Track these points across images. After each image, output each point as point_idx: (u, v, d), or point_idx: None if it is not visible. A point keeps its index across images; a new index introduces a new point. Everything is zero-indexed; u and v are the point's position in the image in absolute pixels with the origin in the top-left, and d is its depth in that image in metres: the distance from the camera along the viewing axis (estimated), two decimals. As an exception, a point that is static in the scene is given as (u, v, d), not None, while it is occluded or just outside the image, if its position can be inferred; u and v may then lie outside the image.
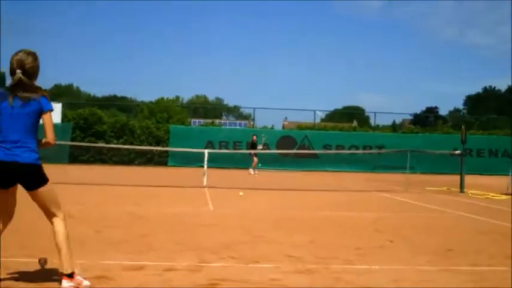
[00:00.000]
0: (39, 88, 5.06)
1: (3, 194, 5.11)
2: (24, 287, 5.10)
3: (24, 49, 5.06)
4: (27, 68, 4.95)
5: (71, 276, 5.02)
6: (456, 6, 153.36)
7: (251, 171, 28.13)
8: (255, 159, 28.51)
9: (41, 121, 5.11)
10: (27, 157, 5.00)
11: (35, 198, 5.18)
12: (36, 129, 5.09)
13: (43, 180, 5.14)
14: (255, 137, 29.57)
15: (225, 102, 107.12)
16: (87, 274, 5.52)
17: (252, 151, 28.16)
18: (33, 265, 5.90)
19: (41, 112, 5.03)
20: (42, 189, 5.14)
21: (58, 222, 5.26)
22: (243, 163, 31.66)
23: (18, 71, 4.91)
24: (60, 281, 5.08)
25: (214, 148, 32.73)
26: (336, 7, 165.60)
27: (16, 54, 4.98)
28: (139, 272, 5.80)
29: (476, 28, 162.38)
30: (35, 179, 5.09)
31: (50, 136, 5.17)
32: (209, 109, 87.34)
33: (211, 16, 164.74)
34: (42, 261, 5.73)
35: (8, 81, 5.06)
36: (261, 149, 29.01)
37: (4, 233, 7.76)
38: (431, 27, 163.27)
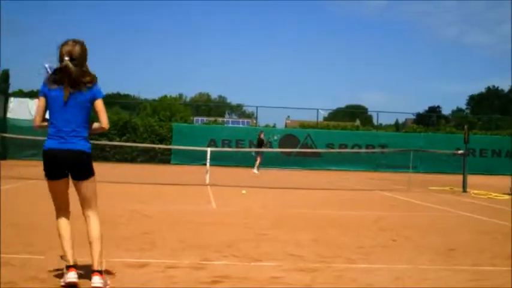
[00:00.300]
0: (89, 74, 5.04)
1: (61, 186, 5.14)
2: (28, 284, 5.10)
3: (72, 39, 5.08)
4: (75, 57, 4.95)
5: (101, 272, 4.99)
6: (459, 6, 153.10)
7: (255, 170, 26.96)
8: (259, 159, 27.47)
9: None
10: (82, 145, 5.06)
11: (79, 189, 5.17)
12: (88, 117, 5.12)
13: (92, 171, 5.18)
14: (262, 134, 28.45)
15: (228, 101, 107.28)
16: (90, 272, 5.54)
17: (258, 149, 27.30)
18: (36, 262, 5.92)
19: (93, 100, 5.06)
20: (89, 181, 5.17)
21: (94, 217, 5.29)
22: (245, 161, 31.69)
23: (66, 58, 4.91)
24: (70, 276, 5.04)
25: (217, 146, 32.73)
26: (338, 6, 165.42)
27: (64, 43, 5.01)
28: (142, 269, 5.82)
29: (479, 27, 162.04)
30: (86, 168, 5.12)
31: (104, 121, 5.24)
32: (212, 107, 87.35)
33: (214, 14, 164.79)
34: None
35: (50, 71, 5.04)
36: (266, 147, 28.45)
37: (7, 229, 7.80)
38: (434, 26, 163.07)
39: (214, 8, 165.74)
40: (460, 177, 19.51)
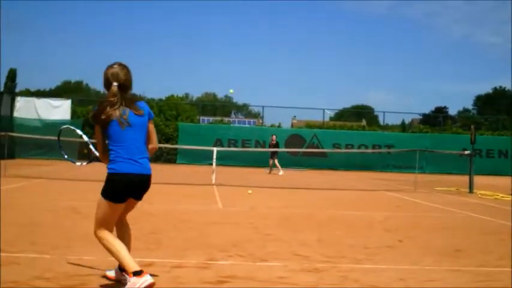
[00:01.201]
0: (138, 98, 5.04)
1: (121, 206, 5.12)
2: (32, 283, 5.12)
3: (118, 62, 5.08)
4: (123, 81, 4.95)
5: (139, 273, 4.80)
6: (465, 5, 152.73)
7: (280, 172, 27.05)
8: (275, 160, 27.58)
9: None
10: (149, 168, 5.13)
11: (130, 207, 5.31)
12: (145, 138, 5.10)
13: None
14: (274, 137, 28.41)
15: (234, 101, 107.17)
16: (96, 271, 5.56)
17: (272, 149, 27.26)
18: (42, 261, 5.94)
19: (148, 121, 5.09)
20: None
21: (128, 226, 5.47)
22: (251, 161, 31.75)
23: (115, 83, 4.91)
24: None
25: (223, 146, 32.74)
26: (344, 5, 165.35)
27: (111, 67, 5.01)
28: (148, 268, 5.81)
29: (486, 27, 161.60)
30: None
31: (155, 142, 5.27)
32: (218, 107, 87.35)
33: (221, 14, 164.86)
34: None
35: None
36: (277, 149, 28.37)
37: (13, 228, 7.83)
38: (441, 26, 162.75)
39: (221, 7, 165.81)
40: (466, 178, 19.46)
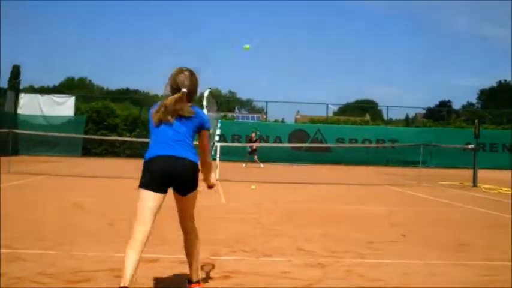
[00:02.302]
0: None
1: None
2: (36, 279, 5.13)
3: (187, 68, 4.94)
4: (189, 88, 4.84)
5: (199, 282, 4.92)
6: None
7: (261, 165, 28.45)
8: (254, 156, 29.06)
9: None
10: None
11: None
12: (192, 138, 4.94)
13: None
14: (254, 134, 30.16)
15: (238, 96, 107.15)
16: (100, 267, 5.57)
17: (250, 144, 28.86)
18: (47, 257, 5.95)
19: (201, 128, 4.92)
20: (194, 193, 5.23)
21: None
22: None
23: (184, 90, 4.79)
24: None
25: (226, 141, 32.75)
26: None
27: (181, 72, 4.88)
28: (153, 264, 5.84)
29: (490, 20, 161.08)
30: None
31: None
32: (222, 102, 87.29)
33: (223, 9, 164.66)
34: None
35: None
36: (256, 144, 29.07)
37: (19, 224, 7.85)
38: (444, 19, 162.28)
39: (224, 2, 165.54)
40: (470, 172, 19.43)
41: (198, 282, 4.94)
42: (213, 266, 5.82)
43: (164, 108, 4.77)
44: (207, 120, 4.98)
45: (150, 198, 4.78)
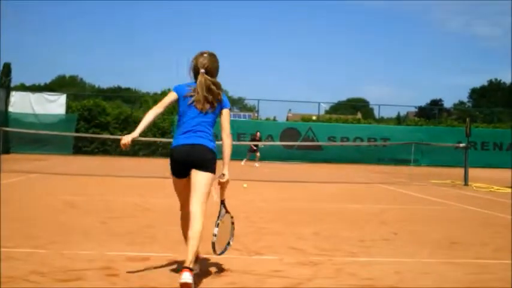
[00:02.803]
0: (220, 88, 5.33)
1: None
2: (28, 278, 5.11)
3: (206, 51, 5.39)
4: (208, 67, 5.27)
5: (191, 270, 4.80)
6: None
7: (256, 164, 28.50)
8: (257, 153, 29.22)
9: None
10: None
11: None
12: (212, 126, 5.49)
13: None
14: (259, 134, 30.18)
15: (230, 94, 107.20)
16: (92, 265, 5.56)
17: (253, 143, 28.76)
18: (38, 256, 5.93)
19: (222, 108, 5.42)
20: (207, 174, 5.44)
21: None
22: (246, 155, 31.84)
23: (202, 70, 5.20)
24: None
25: (218, 140, 32.65)
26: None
27: (201, 55, 5.31)
28: (144, 263, 5.83)
29: (482, 19, 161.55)
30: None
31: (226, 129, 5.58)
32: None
33: (214, 7, 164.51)
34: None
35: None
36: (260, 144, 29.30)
37: (10, 223, 7.81)
38: (435, 18, 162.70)
39: (215, 4, 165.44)
40: (461, 171, 19.50)
41: (189, 268, 4.75)
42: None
43: (197, 94, 5.18)
44: (226, 101, 5.41)
45: (177, 183, 5.53)
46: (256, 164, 28.41)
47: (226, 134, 5.47)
